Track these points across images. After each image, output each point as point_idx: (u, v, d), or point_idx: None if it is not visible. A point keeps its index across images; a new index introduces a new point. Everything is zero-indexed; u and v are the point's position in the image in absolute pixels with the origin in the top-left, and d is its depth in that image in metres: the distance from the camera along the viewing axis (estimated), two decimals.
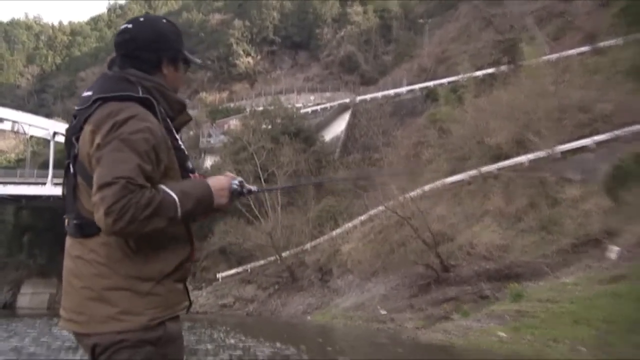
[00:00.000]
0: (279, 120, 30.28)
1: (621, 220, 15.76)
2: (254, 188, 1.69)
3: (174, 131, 1.55)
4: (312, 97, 35.95)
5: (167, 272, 1.44)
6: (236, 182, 1.60)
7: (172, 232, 1.44)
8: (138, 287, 1.38)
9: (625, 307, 11.39)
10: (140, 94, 1.44)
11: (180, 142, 1.57)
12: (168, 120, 1.53)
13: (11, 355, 11.13)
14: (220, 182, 1.52)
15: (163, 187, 1.37)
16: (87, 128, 1.39)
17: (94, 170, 1.34)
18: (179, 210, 1.35)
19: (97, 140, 1.34)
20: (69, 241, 1.48)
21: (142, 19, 1.59)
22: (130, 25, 1.53)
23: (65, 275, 1.45)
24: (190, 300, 1.59)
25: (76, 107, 1.49)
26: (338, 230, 24.81)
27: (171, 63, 1.59)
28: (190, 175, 1.56)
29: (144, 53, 1.52)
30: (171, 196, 1.35)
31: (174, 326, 1.47)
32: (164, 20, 1.64)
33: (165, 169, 1.42)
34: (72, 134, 1.47)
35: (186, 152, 1.60)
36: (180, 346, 1.53)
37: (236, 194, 1.59)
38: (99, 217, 1.29)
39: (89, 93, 1.45)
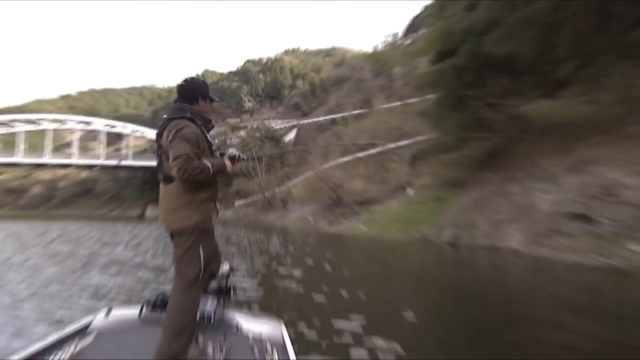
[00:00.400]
0: (263, 132, 45.86)
1: (413, 177, 24.98)
2: (243, 156, 2.54)
3: (206, 133, 2.31)
4: (279, 122, 52.76)
5: (204, 199, 2.21)
6: (236, 154, 2.47)
7: (207, 181, 2.19)
8: (190, 206, 2.15)
9: (410, 214, 19.21)
10: (188, 115, 2.23)
11: (209, 138, 2.33)
12: (202, 127, 2.29)
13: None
14: (229, 163, 2.36)
15: (204, 160, 2.15)
16: (165, 132, 2.17)
17: (168, 151, 2.11)
18: (211, 170, 2.14)
19: (170, 137, 2.11)
20: (160, 186, 2.25)
21: (189, 78, 2.41)
22: (183, 82, 2.36)
23: (160, 201, 2.26)
24: (218, 212, 2.34)
25: (160, 123, 2.26)
26: (291, 183, 39.01)
27: (202, 99, 2.37)
28: (216, 155, 2.36)
29: (188, 94, 2.34)
30: (207, 164, 2.13)
31: (210, 224, 2.25)
32: (200, 80, 2.47)
33: (202, 151, 2.18)
34: (159, 134, 2.23)
35: (212, 144, 2.34)
36: (213, 235, 2.30)
37: (236, 159, 2.43)
38: (174, 173, 2.07)
39: (165, 116, 2.27)
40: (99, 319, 2.46)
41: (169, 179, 2.16)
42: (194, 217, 2.12)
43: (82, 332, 2.32)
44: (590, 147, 11.74)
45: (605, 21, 11.21)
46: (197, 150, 2.11)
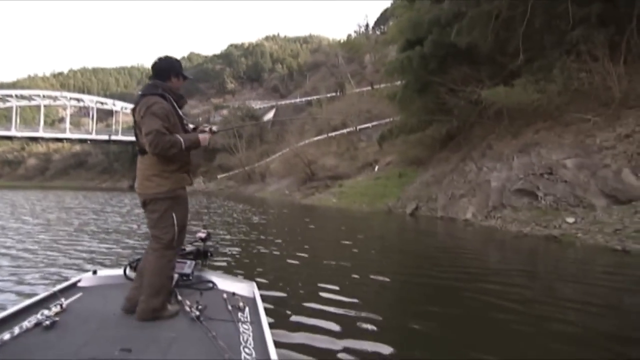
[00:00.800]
0: (244, 111, 44.54)
1: (379, 155, 25.71)
2: (215, 128, 2.35)
3: (177, 108, 2.17)
4: (259, 102, 50.89)
5: (176, 169, 2.12)
6: (208, 127, 2.35)
7: (179, 154, 2.09)
8: (162, 174, 2.07)
9: (377, 188, 19.35)
10: (159, 92, 2.09)
11: (181, 113, 2.18)
12: (174, 103, 2.16)
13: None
14: (204, 135, 2.20)
15: (177, 134, 2.04)
16: (138, 107, 2.08)
17: (142, 126, 2.04)
18: (184, 145, 2.03)
19: (142, 113, 2.03)
20: (138, 157, 2.20)
21: (163, 57, 2.22)
22: (158, 60, 2.20)
23: (137, 171, 2.19)
24: (191, 181, 2.23)
25: (136, 99, 2.15)
26: (268, 159, 38.34)
27: (175, 77, 2.21)
28: (187, 129, 2.23)
29: (162, 72, 2.18)
30: (179, 139, 2.02)
31: (182, 192, 2.17)
32: (174, 59, 2.26)
33: (172, 125, 2.06)
34: (133, 110, 2.13)
35: (184, 119, 2.20)
36: (186, 201, 2.20)
37: (214, 132, 2.31)
38: (147, 147, 2.01)
39: (140, 93, 2.15)
40: (86, 278, 2.44)
41: (144, 151, 2.10)
42: (166, 185, 2.07)
43: (71, 288, 2.30)
44: (535, 132, 11.82)
45: (553, 19, 11.06)
46: (167, 125, 2.03)
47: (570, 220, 8.54)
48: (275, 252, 6.45)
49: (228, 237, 8.21)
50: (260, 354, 1.61)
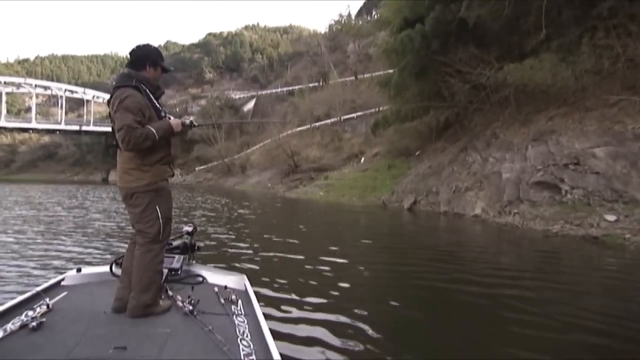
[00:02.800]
0: (223, 101, 41.51)
1: (365, 146, 24.45)
2: (196, 122, 2.14)
3: (154, 99, 1.98)
4: (239, 92, 47.54)
5: (156, 161, 1.95)
6: (189, 120, 2.09)
7: (158, 145, 1.92)
8: (142, 168, 1.93)
9: (366, 181, 17.68)
10: (133, 83, 1.91)
11: (157, 104, 2.00)
12: (150, 95, 1.97)
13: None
14: (176, 122, 2.01)
15: (148, 126, 1.87)
16: (112, 100, 1.91)
17: (115, 120, 1.86)
18: (157, 135, 1.86)
19: (115, 107, 1.87)
20: (118, 150, 1.98)
21: (141, 45, 2.03)
22: (135, 48, 2.00)
23: (117, 163, 2.01)
24: (173, 173, 2.06)
25: (111, 90, 1.96)
26: (249, 150, 35.92)
27: (151, 66, 1.99)
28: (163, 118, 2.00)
29: (137, 61, 1.98)
30: (151, 130, 1.85)
31: (164, 184, 2.00)
32: (155, 48, 2.06)
33: (147, 119, 1.90)
34: (109, 102, 1.95)
35: (161, 110, 2.00)
36: (169, 194, 2.05)
37: (189, 125, 2.07)
38: (120, 143, 1.86)
39: (114, 84, 1.95)
40: (70, 277, 2.28)
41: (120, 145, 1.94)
42: (146, 178, 1.93)
43: (55, 287, 2.15)
44: (549, 119, 10.40)
45: None
46: (140, 119, 1.87)
47: (611, 218, 7.13)
48: (265, 247, 5.83)
49: (213, 231, 7.45)
50: (258, 346, 1.54)
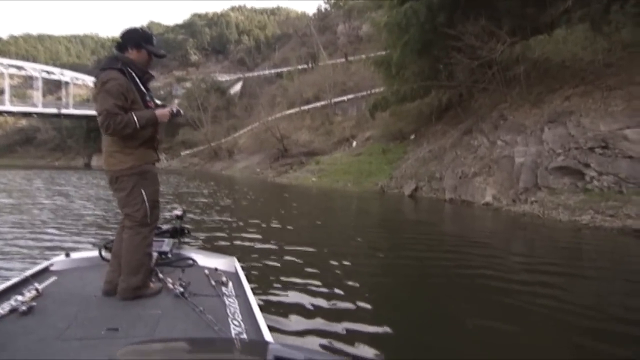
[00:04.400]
0: (209, 84, 39.15)
1: (356, 129, 23.42)
2: (182, 111, 2.03)
3: (139, 84, 1.86)
4: (225, 75, 44.81)
5: (139, 144, 1.86)
6: (175, 108, 2.00)
7: (141, 131, 1.82)
8: (125, 150, 1.84)
9: (361, 165, 16.70)
10: (119, 66, 1.80)
11: (143, 89, 1.88)
12: (136, 78, 1.84)
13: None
14: (163, 112, 1.89)
15: (131, 113, 1.77)
16: (96, 83, 1.81)
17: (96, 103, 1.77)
18: (137, 124, 1.77)
19: (97, 91, 1.78)
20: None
21: (130, 27, 1.93)
22: (124, 30, 1.90)
23: (102, 147, 1.92)
24: (158, 157, 1.99)
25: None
26: (236, 134, 34.01)
27: (133, 48, 1.86)
28: (149, 105, 1.88)
29: (123, 43, 1.87)
30: (132, 118, 1.76)
31: (150, 167, 1.91)
32: (139, 30, 1.93)
33: (132, 102, 1.79)
34: (95, 85, 1.82)
35: (146, 94, 1.89)
36: (155, 177, 1.96)
37: (175, 113, 1.97)
38: (100, 127, 1.76)
39: (100, 67, 1.87)
40: (58, 262, 2.19)
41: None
42: (129, 161, 1.84)
43: (43, 272, 2.06)
44: (565, 99, 9.34)
45: None
46: (122, 103, 1.75)
47: None
48: (256, 232, 5.48)
49: (203, 217, 6.97)
50: (249, 325, 1.52)
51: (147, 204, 1.85)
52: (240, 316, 1.60)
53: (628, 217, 6.23)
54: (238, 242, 4.84)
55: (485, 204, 9.12)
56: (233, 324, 1.52)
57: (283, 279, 3.26)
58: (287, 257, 4.08)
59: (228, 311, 1.64)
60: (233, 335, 1.44)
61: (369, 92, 23.57)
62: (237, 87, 46.57)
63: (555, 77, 9.91)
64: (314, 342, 2.16)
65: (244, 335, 1.44)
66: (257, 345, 1.23)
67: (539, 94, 10.16)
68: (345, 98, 29.60)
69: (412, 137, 16.68)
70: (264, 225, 6.21)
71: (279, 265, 3.77)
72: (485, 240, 5.86)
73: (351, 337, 2.23)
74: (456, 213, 9.03)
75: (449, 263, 4.18)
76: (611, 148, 7.33)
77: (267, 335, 1.41)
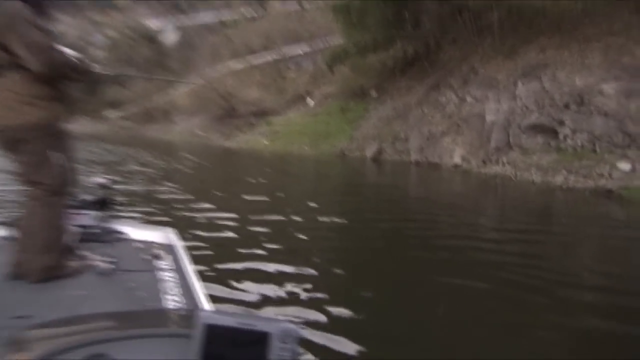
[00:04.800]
0: (138, 32, 33.84)
1: (312, 86, 21.13)
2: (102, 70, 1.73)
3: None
4: (156, 21, 38.64)
5: (52, 97, 1.43)
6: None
7: (51, 79, 1.41)
8: (33, 102, 1.41)
9: (318, 126, 15.48)
10: None
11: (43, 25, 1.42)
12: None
13: None
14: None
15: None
16: None
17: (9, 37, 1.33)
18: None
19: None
20: None
21: None
22: None
23: None
24: (71, 116, 1.60)
25: None
26: (174, 92, 30.18)
27: None
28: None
29: None
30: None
31: (58, 125, 1.48)
32: None
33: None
34: None
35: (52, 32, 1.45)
36: (68, 137, 1.55)
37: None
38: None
39: None
40: None
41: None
42: (35, 114, 1.40)
43: None
44: (540, 50, 8.69)
45: None
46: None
47: (625, 166, 5.84)
48: (199, 204, 4.65)
49: (136, 187, 5.88)
50: (187, 299, 1.36)
51: (59, 167, 1.52)
52: (177, 290, 1.45)
53: (601, 177, 5.86)
54: (178, 214, 4.26)
55: (454, 165, 8.52)
56: (167, 297, 1.38)
57: (232, 250, 3.01)
58: (237, 228, 3.67)
59: (163, 285, 1.49)
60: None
61: (326, 43, 21.95)
62: (173, 36, 40.27)
63: (531, 27, 9.17)
64: (257, 308, 2.06)
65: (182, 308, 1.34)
66: (186, 313, 1.12)
67: (513, 45, 9.42)
68: (300, 51, 27.56)
69: (374, 93, 15.71)
70: (210, 195, 5.39)
71: (227, 236, 3.42)
72: (455, 203, 5.21)
73: (295, 301, 2.17)
74: (423, 176, 8.35)
75: (412, 229, 3.89)
76: (586, 104, 6.85)
77: (206, 306, 1.29)
